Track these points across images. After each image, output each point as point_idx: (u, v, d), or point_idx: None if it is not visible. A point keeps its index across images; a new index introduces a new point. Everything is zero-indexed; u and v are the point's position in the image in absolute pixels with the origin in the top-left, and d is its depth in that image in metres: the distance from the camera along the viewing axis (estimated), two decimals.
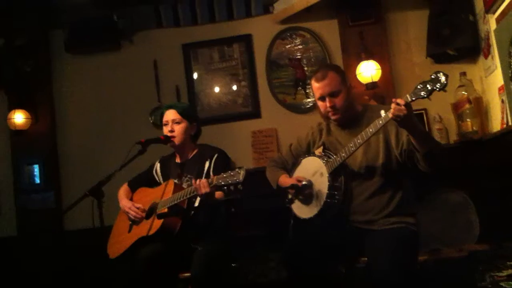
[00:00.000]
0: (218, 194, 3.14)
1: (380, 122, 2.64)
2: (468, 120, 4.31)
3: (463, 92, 4.35)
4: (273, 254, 4.12)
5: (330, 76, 2.92)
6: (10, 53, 5.12)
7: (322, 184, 2.88)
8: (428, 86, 2.45)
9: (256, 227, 4.30)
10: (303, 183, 2.94)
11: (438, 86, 2.43)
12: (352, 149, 2.79)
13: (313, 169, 2.98)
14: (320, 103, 2.99)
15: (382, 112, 2.64)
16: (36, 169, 5.00)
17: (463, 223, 3.95)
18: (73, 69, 5.24)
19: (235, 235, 3.41)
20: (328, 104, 2.92)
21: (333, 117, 2.97)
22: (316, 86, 2.95)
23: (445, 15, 4.41)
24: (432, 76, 2.45)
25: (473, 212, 3.95)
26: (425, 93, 2.45)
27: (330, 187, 2.83)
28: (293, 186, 2.97)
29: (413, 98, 2.49)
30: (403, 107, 2.47)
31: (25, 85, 5.08)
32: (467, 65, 4.53)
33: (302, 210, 3.00)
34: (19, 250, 4.85)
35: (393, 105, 2.50)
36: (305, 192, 2.95)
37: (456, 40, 4.36)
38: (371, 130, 2.70)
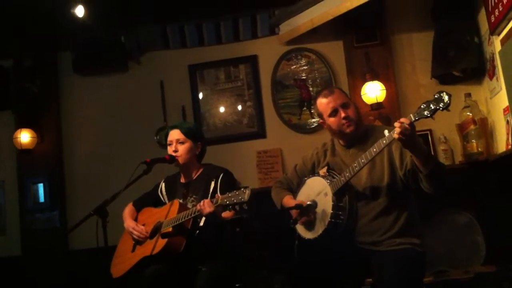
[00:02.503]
0: (227, 214, 3.13)
1: (384, 141, 2.64)
2: (473, 141, 4.30)
3: (468, 113, 4.35)
4: (278, 275, 4.10)
5: (336, 90, 2.99)
6: (18, 74, 5.17)
7: (326, 204, 2.86)
8: (431, 105, 2.44)
9: (261, 247, 4.29)
10: (308, 203, 2.92)
11: (442, 106, 2.41)
12: (356, 168, 2.78)
13: (317, 189, 2.96)
14: (332, 120, 2.94)
15: (386, 132, 2.64)
16: (41, 188, 5.00)
17: (469, 244, 3.92)
18: (80, 89, 5.28)
19: (239, 256, 3.39)
20: (342, 115, 2.90)
21: (348, 130, 2.92)
22: (326, 102, 2.94)
23: (450, 37, 4.42)
24: (436, 96, 2.44)
25: (479, 233, 3.93)
26: (428, 113, 2.44)
27: (335, 207, 2.81)
28: (297, 206, 2.97)
29: (417, 118, 2.48)
30: (407, 126, 2.46)
31: (32, 105, 5.12)
32: (472, 86, 4.54)
33: (306, 231, 2.98)
34: (24, 269, 4.84)
35: (397, 125, 2.49)
36: (309, 212, 2.94)
37: (461, 61, 4.37)
38: (375, 149, 2.69)
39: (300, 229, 3.03)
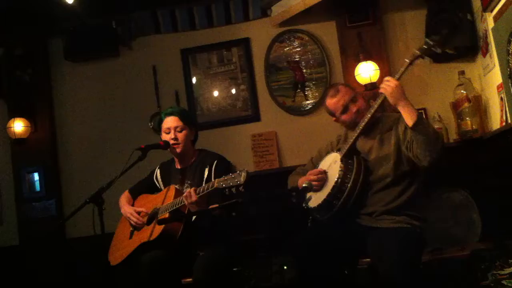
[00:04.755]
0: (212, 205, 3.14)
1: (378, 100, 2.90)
2: (467, 118, 4.30)
3: (462, 91, 4.34)
4: (276, 258, 4.11)
5: (341, 88, 3.09)
6: (9, 62, 5.13)
7: (335, 169, 2.95)
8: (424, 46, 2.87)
9: (258, 231, 4.30)
10: (303, 185, 2.98)
11: (434, 43, 2.86)
12: (360, 128, 2.93)
13: (329, 162, 3.08)
14: (344, 116, 3.08)
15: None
16: (37, 177, 4.99)
17: (465, 221, 3.94)
18: (72, 76, 5.25)
19: (237, 240, 3.40)
20: (354, 110, 3.04)
21: (362, 122, 3.02)
22: (335, 101, 3.07)
23: (443, 14, 4.40)
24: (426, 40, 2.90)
25: (475, 210, 3.95)
26: (409, 60, 2.87)
27: (342, 168, 2.90)
28: (293, 189, 3.03)
29: (402, 72, 2.86)
30: (389, 80, 2.81)
31: (25, 93, 5.08)
32: (465, 64, 4.53)
33: (316, 200, 3.02)
34: (22, 259, 4.84)
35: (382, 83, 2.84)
36: (310, 191, 3.02)
37: (454, 39, 4.35)
38: (372, 109, 2.91)
39: (312, 203, 3.06)
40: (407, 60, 2.90)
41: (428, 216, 3.60)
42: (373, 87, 4.49)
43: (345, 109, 3.05)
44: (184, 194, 3.03)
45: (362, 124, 2.94)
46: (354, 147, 2.99)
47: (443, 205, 4.08)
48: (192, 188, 3.01)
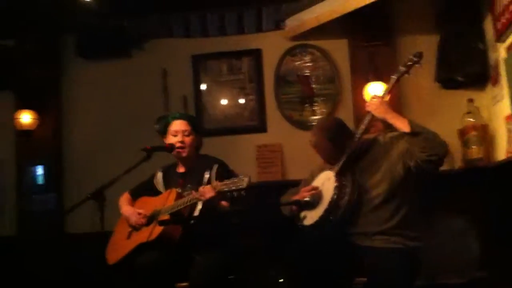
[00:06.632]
0: (223, 203, 3.15)
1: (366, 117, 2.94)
2: (473, 147, 4.30)
3: (470, 119, 4.35)
4: (274, 266, 4.10)
5: (319, 143, 3.05)
6: (20, 55, 5.14)
7: (329, 186, 2.93)
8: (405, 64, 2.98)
9: (257, 239, 4.29)
10: (306, 199, 2.97)
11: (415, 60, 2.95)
12: (350, 148, 2.95)
13: (322, 180, 3.05)
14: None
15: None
16: (40, 170, 4.99)
17: (464, 249, 3.93)
18: (83, 73, 5.26)
19: (235, 246, 3.40)
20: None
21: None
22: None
23: (456, 41, 4.43)
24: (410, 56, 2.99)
25: (475, 238, 3.94)
26: (398, 74, 2.97)
27: (338, 184, 2.88)
28: (295, 202, 3.00)
29: (396, 76, 2.96)
30: (373, 99, 2.93)
31: (34, 86, 5.09)
32: (475, 92, 4.54)
33: (311, 218, 2.99)
34: (19, 250, 4.84)
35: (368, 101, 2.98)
36: (309, 205, 2.98)
37: (465, 66, 4.38)
38: (362, 127, 2.95)
39: (306, 221, 3.03)
40: (394, 77, 2.98)
41: (427, 241, 3.61)
42: None
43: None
44: (202, 191, 3.02)
45: (353, 143, 2.96)
46: (347, 164, 2.97)
47: (442, 231, 4.07)
48: (208, 185, 3.02)
